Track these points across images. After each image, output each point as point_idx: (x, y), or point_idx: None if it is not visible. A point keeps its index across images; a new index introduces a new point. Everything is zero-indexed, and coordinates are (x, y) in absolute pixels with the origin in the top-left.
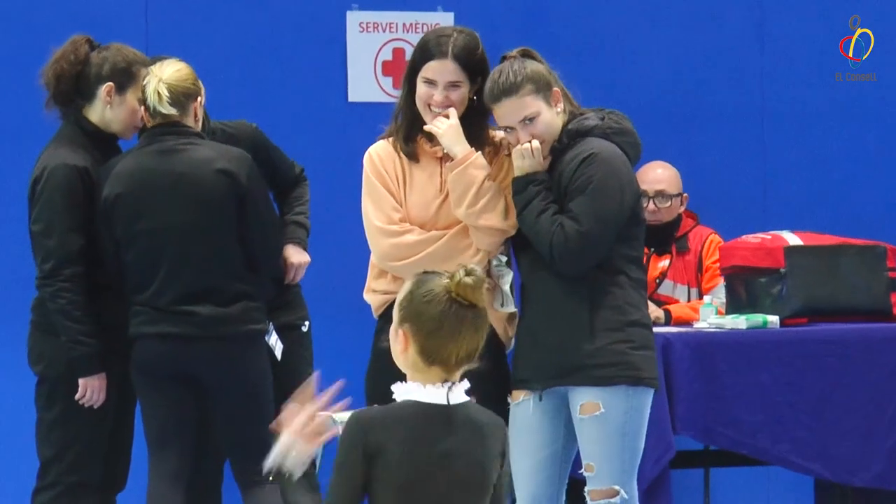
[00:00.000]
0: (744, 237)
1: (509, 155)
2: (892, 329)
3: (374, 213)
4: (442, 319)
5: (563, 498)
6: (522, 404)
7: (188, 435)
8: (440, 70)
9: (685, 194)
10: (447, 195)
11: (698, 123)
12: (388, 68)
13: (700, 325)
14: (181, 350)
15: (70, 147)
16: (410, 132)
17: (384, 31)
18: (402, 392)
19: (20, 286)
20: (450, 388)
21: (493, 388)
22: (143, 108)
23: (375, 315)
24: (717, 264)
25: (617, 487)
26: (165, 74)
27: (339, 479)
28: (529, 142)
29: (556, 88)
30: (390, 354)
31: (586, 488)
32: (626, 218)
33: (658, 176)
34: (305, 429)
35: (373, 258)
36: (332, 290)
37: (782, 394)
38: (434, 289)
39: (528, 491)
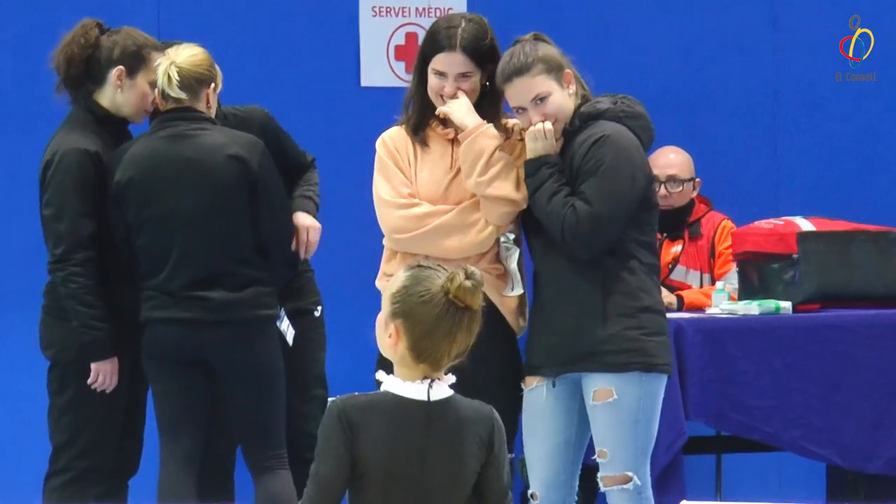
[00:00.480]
0: (756, 223)
1: (522, 140)
2: None
3: (384, 187)
4: (438, 322)
5: (577, 484)
6: (535, 390)
7: (200, 420)
8: (449, 62)
9: (698, 179)
10: (458, 172)
11: (711, 110)
12: (400, 53)
13: (712, 310)
14: (193, 335)
15: (81, 131)
16: (422, 120)
17: (397, 15)
18: (385, 382)
19: (32, 271)
20: (430, 385)
21: (504, 373)
22: (156, 91)
23: None
24: (730, 250)
25: (630, 474)
26: (180, 58)
27: (323, 457)
28: (542, 123)
29: (567, 70)
30: None
31: (599, 474)
32: (638, 200)
33: (670, 161)
34: None
35: (384, 241)
36: (344, 276)
37: (794, 380)
38: (431, 289)
39: (542, 477)
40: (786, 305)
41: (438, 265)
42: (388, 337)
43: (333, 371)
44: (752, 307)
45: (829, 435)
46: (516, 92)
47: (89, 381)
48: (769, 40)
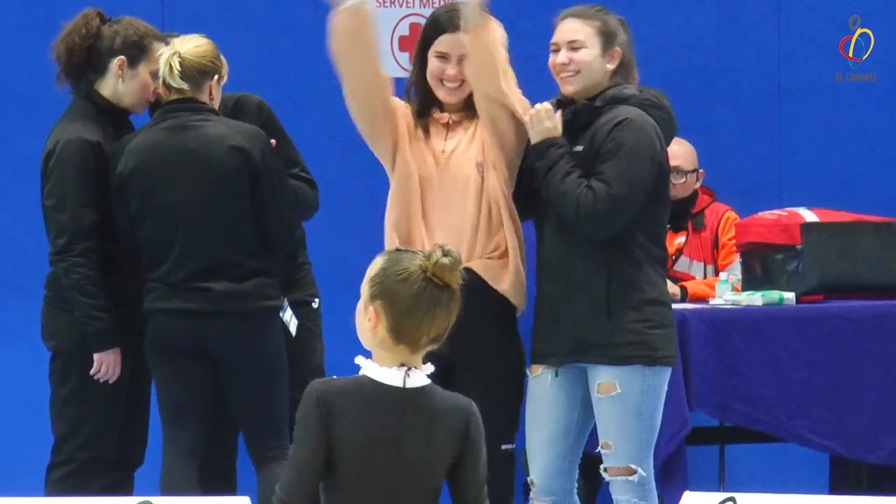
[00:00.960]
0: (760, 214)
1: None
2: None
3: None
4: (417, 300)
5: (577, 472)
6: (540, 377)
7: (203, 411)
8: (453, 43)
9: (701, 170)
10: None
11: (715, 101)
12: (404, 43)
13: (716, 301)
14: (196, 326)
15: (82, 121)
16: (423, 107)
17: (401, 5)
18: (364, 367)
19: (34, 262)
20: (407, 373)
21: (504, 358)
22: (158, 81)
23: None
24: (734, 241)
25: (634, 466)
26: (184, 49)
27: (301, 441)
28: (543, 103)
29: (617, 48)
30: None
31: (603, 465)
32: (654, 185)
33: (673, 152)
34: None
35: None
36: (343, 269)
37: (798, 370)
38: (409, 268)
39: (542, 464)
40: (789, 296)
41: (416, 250)
42: (367, 321)
43: (330, 363)
44: (756, 298)
45: (832, 425)
46: (562, 29)
47: (92, 371)
48: (773, 32)
